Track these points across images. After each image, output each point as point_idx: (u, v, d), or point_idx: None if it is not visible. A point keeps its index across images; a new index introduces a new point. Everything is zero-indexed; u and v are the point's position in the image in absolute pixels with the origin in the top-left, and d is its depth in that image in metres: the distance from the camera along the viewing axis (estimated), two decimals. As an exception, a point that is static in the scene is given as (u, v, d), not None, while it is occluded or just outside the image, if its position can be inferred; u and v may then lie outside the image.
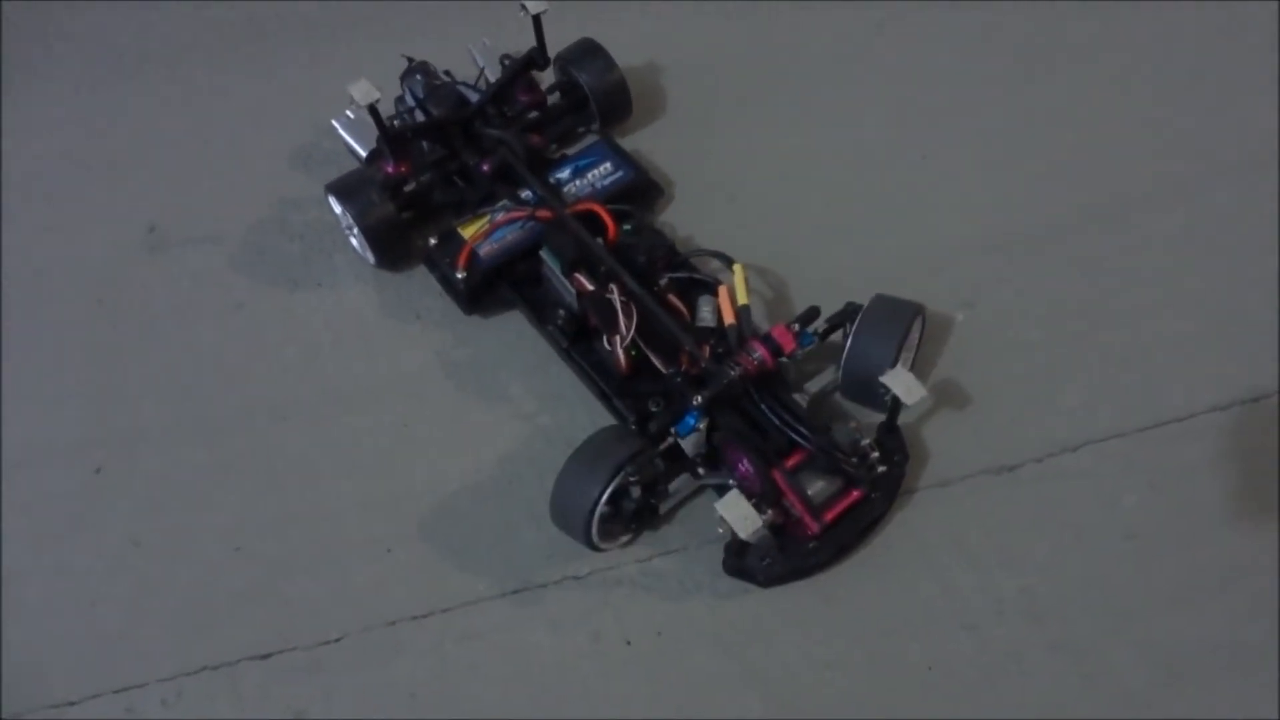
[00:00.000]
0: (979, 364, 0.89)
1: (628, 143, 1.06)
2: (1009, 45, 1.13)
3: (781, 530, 0.77)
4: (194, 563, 0.86)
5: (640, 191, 1.01)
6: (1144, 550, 0.78)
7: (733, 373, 0.78)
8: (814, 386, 0.89)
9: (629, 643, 0.78)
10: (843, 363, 0.81)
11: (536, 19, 0.98)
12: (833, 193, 1.03)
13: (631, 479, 0.76)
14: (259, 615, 0.83)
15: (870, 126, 1.08)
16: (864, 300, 0.83)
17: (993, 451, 0.83)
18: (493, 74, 1.06)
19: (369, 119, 0.98)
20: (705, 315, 0.87)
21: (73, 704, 0.79)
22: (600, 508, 0.74)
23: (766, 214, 1.01)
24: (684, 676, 0.76)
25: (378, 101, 0.92)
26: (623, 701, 0.75)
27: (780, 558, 0.76)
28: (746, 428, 0.79)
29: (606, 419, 0.88)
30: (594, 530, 0.76)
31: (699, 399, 0.77)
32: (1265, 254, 0.93)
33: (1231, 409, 0.84)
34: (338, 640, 0.81)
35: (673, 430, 0.78)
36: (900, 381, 0.76)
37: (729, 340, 0.82)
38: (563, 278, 0.88)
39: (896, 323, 0.82)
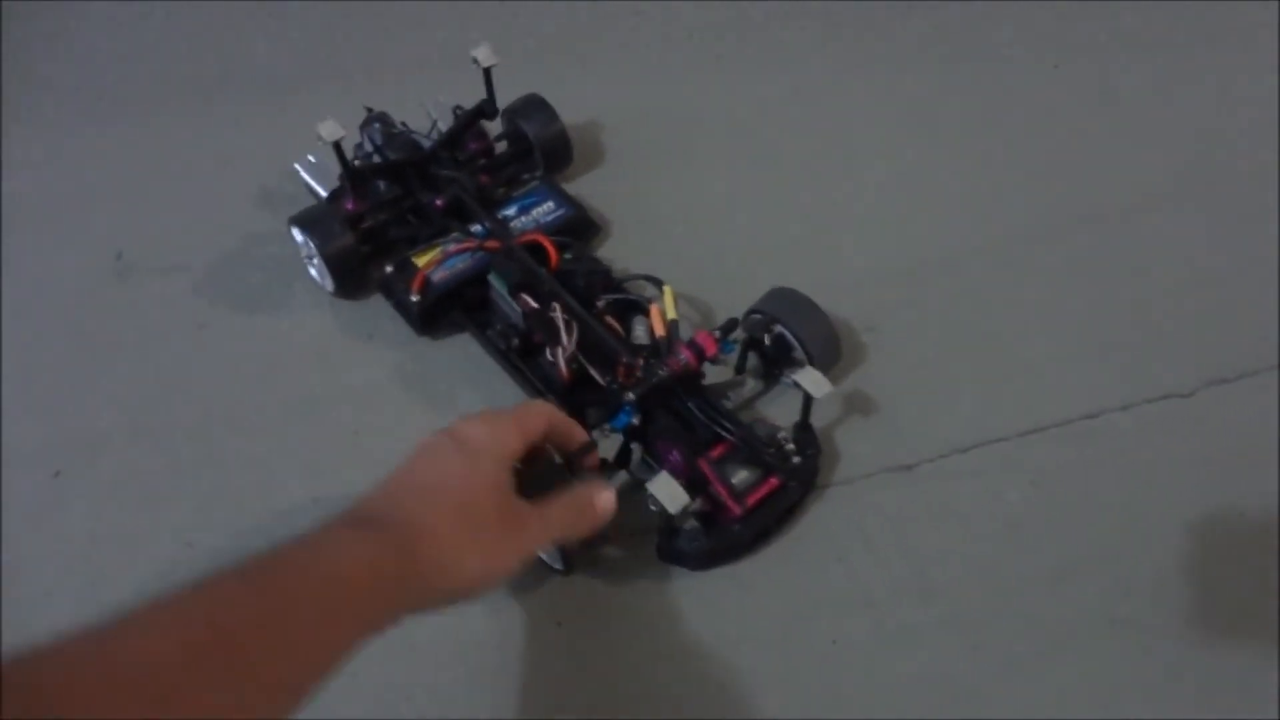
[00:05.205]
0: (882, 379, 0.99)
1: (569, 188, 1.16)
2: (908, 105, 1.30)
3: (709, 519, 0.84)
4: (148, 557, 0.89)
5: (580, 227, 1.11)
6: (1025, 538, 0.87)
7: (661, 373, 0.86)
8: (736, 397, 0.98)
9: (559, 624, 0.83)
10: (808, 346, 0.91)
11: (487, 71, 1.09)
12: (754, 233, 1.15)
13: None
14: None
15: (788, 175, 1.22)
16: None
17: (893, 453, 0.92)
18: (445, 126, 1.16)
19: (330, 163, 1.07)
20: (639, 333, 0.95)
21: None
22: None
23: (693, 250, 1.12)
24: (607, 655, 0.81)
25: (343, 139, 1.01)
26: (557, 680, 0.81)
27: (707, 541, 0.83)
28: (676, 425, 0.87)
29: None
30: None
31: (631, 395, 0.84)
32: (1128, 284, 1.07)
33: (1103, 415, 0.95)
34: (281, 630, 0.85)
35: (609, 425, 0.85)
36: (809, 379, 0.85)
37: (660, 348, 0.90)
38: (509, 298, 0.96)
39: (795, 298, 0.93)
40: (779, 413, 0.96)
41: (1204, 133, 1.23)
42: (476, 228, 1.06)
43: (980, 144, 1.23)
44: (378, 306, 1.08)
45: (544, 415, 0.75)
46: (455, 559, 0.62)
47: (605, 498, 0.73)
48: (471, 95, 1.13)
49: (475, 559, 0.63)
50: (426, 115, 1.18)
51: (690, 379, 0.88)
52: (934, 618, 0.83)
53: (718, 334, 0.90)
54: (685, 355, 0.88)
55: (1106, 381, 0.97)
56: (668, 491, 0.79)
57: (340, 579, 0.54)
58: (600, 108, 1.28)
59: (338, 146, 1.01)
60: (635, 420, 0.85)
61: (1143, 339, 1.01)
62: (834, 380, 0.92)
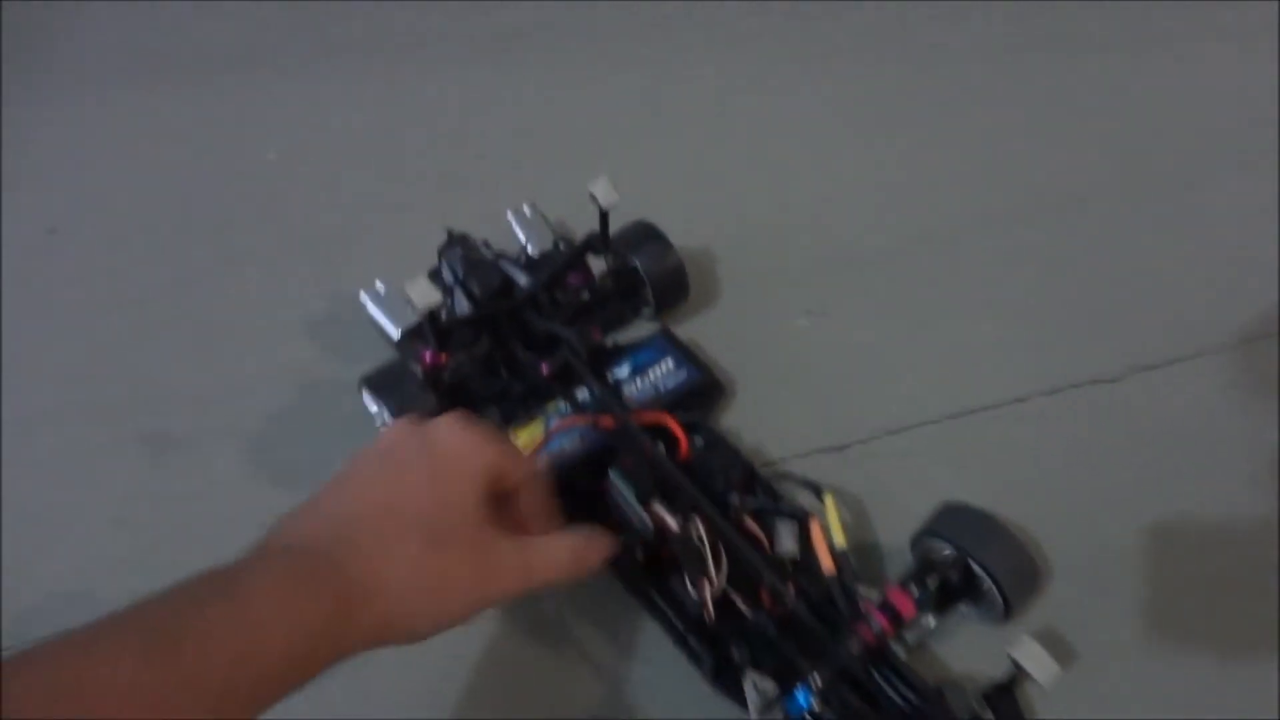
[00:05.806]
0: (821, 362, 1.00)
1: (681, 329, 1.00)
2: (856, 95, 1.30)
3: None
4: (74, 535, 0.86)
5: (704, 392, 0.94)
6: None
7: (853, 649, 0.72)
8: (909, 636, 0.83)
9: None
10: (1001, 583, 0.77)
11: (604, 213, 0.92)
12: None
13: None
14: (132, 583, 0.78)
15: (737, 158, 1.22)
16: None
17: (829, 434, 0.92)
18: (533, 244, 0.99)
19: (397, 296, 0.89)
20: (786, 543, 0.80)
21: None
22: None
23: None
24: None
25: (439, 306, 0.83)
26: None
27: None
28: (861, 704, 0.73)
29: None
30: None
31: (817, 680, 0.70)
32: (1063, 273, 1.09)
33: (1031, 399, 0.96)
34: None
35: (783, 706, 0.71)
36: (1035, 661, 0.71)
37: (837, 600, 0.76)
38: (639, 507, 0.81)
39: (979, 520, 0.79)
40: (953, 647, 0.83)
41: (1138, 131, 1.23)
42: (583, 392, 0.90)
43: (923, 135, 1.25)
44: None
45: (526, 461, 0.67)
46: (410, 612, 0.53)
47: (604, 541, 0.67)
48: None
49: (432, 609, 0.54)
50: (512, 231, 1.00)
51: (881, 649, 0.74)
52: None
53: (913, 590, 0.75)
54: (879, 622, 0.73)
55: (1037, 366, 0.98)
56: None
57: (260, 642, 0.48)
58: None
59: (433, 315, 0.83)
60: (817, 708, 0.71)
61: (1074, 326, 1.02)
62: (777, 367, 0.96)
